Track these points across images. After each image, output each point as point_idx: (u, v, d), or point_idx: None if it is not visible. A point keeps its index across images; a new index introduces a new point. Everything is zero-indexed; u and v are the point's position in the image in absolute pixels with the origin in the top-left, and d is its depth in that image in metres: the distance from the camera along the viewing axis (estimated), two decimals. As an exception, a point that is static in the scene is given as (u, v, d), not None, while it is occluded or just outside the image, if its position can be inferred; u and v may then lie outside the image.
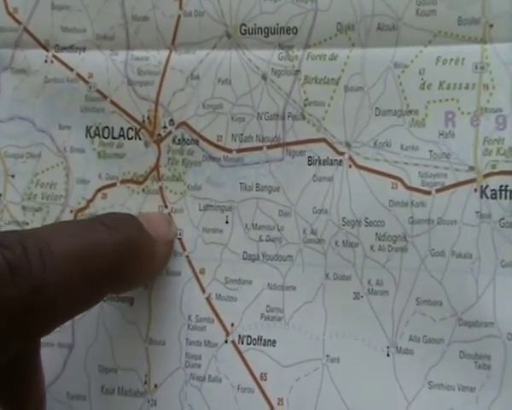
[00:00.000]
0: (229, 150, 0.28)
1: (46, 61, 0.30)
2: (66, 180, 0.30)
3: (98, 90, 0.29)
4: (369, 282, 0.27)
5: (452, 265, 0.26)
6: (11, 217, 0.30)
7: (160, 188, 0.29)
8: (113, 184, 0.29)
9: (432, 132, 0.26)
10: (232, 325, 0.28)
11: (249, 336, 0.28)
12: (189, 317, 0.28)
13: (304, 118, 0.28)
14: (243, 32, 0.28)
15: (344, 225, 0.27)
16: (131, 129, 0.29)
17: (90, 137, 0.30)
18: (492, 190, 0.26)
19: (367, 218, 0.27)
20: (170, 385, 0.28)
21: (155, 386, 0.28)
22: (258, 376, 0.27)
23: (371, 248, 0.27)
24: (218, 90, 0.28)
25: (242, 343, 0.28)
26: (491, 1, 0.26)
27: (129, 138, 0.29)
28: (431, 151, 0.26)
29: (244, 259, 0.28)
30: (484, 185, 0.26)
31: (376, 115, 0.27)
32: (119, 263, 0.24)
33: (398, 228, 0.26)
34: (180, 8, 0.29)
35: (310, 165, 0.27)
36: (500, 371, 0.25)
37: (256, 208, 0.28)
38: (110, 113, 0.29)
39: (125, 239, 0.24)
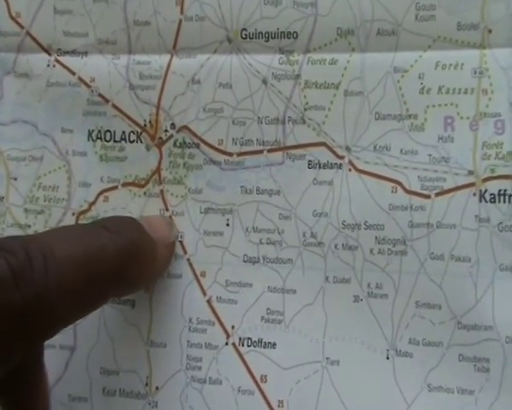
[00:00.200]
0: (230, 154, 0.28)
1: (48, 66, 0.30)
2: (69, 183, 0.30)
3: (100, 94, 0.30)
4: (368, 285, 0.27)
5: (451, 268, 0.26)
6: (13, 220, 0.30)
7: (162, 191, 0.29)
8: (115, 187, 0.30)
9: (431, 137, 0.27)
10: (233, 327, 0.28)
11: (249, 338, 0.28)
12: (190, 319, 0.28)
13: (304, 122, 0.28)
14: (244, 36, 0.28)
15: (344, 229, 0.27)
16: (133, 132, 0.29)
17: (92, 140, 0.30)
18: (491, 195, 0.26)
19: (367, 221, 0.27)
20: (171, 387, 0.28)
21: (156, 388, 0.28)
22: (258, 378, 0.27)
23: (371, 251, 0.27)
24: (218, 95, 0.28)
25: (243, 346, 0.28)
26: (490, 6, 0.26)
27: (130, 142, 0.29)
28: (430, 155, 0.26)
29: (244, 262, 0.28)
30: (483, 190, 0.26)
31: (376, 120, 0.27)
32: (121, 267, 0.24)
33: (397, 232, 0.27)
34: (181, 12, 0.29)
35: (310, 168, 0.28)
36: (499, 374, 0.25)
37: (256, 212, 0.28)
38: (112, 116, 0.30)
39: (127, 243, 0.25)
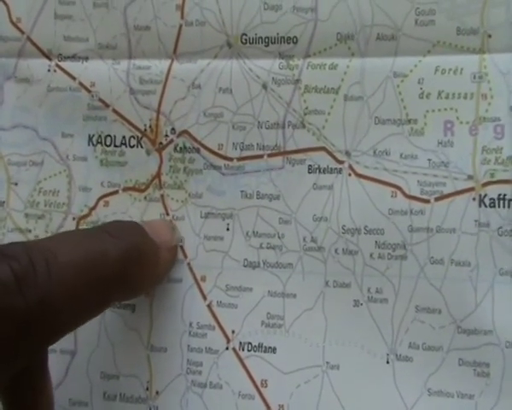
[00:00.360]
0: (230, 159, 0.28)
1: (49, 70, 0.30)
2: (69, 188, 0.30)
3: (100, 99, 0.30)
4: (368, 290, 0.27)
5: (451, 273, 0.26)
6: (14, 224, 0.30)
7: (162, 196, 0.29)
8: (115, 192, 0.30)
9: (431, 141, 0.27)
10: (233, 332, 0.28)
11: (250, 343, 0.28)
12: (191, 324, 0.28)
13: (304, 127, 0.28)
14: (244, 41, 0.28)
15: (344, 233, 0.27)
16: (133, 137, 0.29)
17: (93, 145, 0.30)
18: (491, 199, 0.26)
19: (366, 226, 0.27)
20: (171, 392, 0.28)
21: (157, 393, 0.28)
22: (258, 382, 0.27)
23: (371, 256, 0.27)
24: (218, 99, 0.29)
25: (243, 350, 0.28)
26: (490, 11, 0.26)
27: (131, 147, 0.30)
28: (430, 160, 0.27)
29: (245, 266, 0.28)
30: (482, 194, 0.26)
31: (376, 124, 0.27)
32: (123, 271, 0.24)
33: (397, 236, 0.27)
34: (182, 17, 0.29)
35: (310, 173, 0.28)
36: (499, 379, 0.25)
37: (257, 216, 0.28)
38: (112, 121, 0.30)
39: (129, 247, 0.25)
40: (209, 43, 0.29)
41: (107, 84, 0.30)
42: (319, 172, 0.28)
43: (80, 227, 0.30)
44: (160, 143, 0.29)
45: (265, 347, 0.28)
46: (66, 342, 0.29)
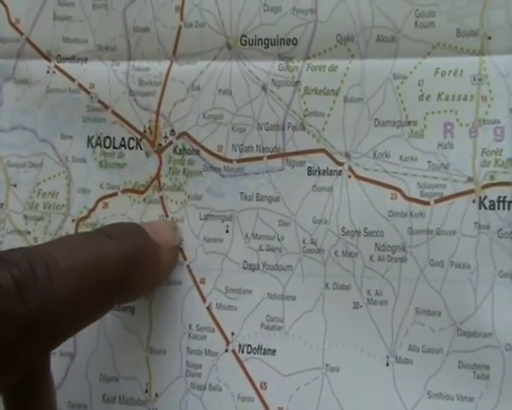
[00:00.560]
0: (230, 160, 0.28)
1: (48, 72, 0.30)
2: (68, 190, 0.30)
3: (100, 101, 0.30)
4: (368, 292, 0.27)
5: (451, 275, 0.26)
6: (13, 226, 0.30)
7: (161, 197, 0.29)
8: (115, 194, 0.30)
9: (430, 143, 0.27)
10: (232, 334, 0.28)
11: (249, 345, 0.28)
12: (190, 326, 0.28)
13: (304, 128, 0.28)
14: (243, 43, 0.28)
15: (343, 235, 0.27)
16: (132, 139, 0.29)
17: (92, 146, 0.30)
18: (491, 201, 0.26)
19: (366, 228, 0.27)
20: (171, 394, 0.28)
21: (156, 395, 0.28)
22: (258, 385, 0.27)
23: (370, 258, 0.27)
24: (218, 101, 0.28)
25: (242, 352, 0.28)
26: (490, 13, 0.26)
27: (130, 148, 0.29)
28: (430, 162, 0.27)
29: (244, 268, 0.28)
30: (482, 196, 0.26)
31: (375, 126, 0.27)
32: (125, 274, 0.24)
33: (397, 238, 0.27)
34: (181, 19, 0.29)
35: (309, 175, 0.28)
36: (499, 381, 0.25)
37: (256, 218, 0.28)
38: (111, 123, 0.30)
39: (130, 250, 0.25)
40: (208, 44, 0.29)
41: (106, 85, 0.30)
42: (319, 173, 0.28)
43: (79, 229, 0.30)
44: (160, 144, 0.29)
45: (265, 349, 0.28)
46: (65, 344, 0.28)
